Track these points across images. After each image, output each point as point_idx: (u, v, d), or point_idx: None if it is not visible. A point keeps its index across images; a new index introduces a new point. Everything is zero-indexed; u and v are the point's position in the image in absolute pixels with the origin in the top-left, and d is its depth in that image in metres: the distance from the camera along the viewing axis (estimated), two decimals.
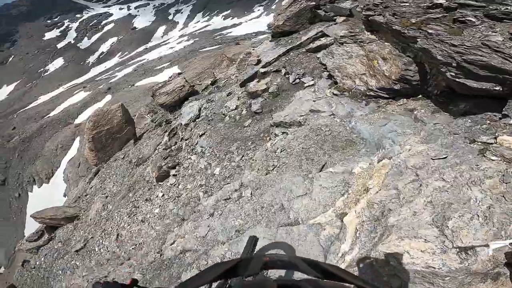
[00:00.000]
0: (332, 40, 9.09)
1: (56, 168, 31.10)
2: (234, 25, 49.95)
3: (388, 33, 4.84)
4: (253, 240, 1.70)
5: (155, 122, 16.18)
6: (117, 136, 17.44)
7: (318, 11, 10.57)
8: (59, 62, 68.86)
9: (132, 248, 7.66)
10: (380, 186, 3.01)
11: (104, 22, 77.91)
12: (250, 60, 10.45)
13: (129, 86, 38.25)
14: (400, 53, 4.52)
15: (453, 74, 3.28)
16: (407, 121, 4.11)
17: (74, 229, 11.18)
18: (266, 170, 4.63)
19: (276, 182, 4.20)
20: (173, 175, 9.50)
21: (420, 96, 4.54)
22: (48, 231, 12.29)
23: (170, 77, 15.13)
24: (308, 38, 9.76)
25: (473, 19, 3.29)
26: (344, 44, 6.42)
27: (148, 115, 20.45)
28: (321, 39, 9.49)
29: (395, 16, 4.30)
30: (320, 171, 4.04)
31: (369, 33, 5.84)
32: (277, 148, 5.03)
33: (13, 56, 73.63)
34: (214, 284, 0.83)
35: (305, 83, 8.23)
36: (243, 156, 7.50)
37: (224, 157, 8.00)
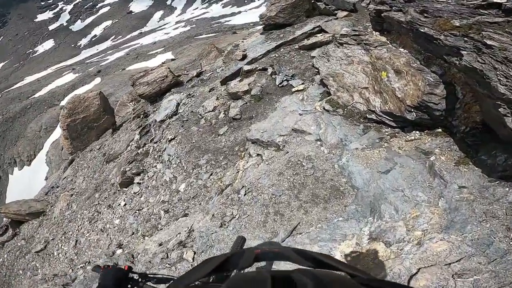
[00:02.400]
0: (330, 38, 7.66)
1: (39, 150, 30.28)
2: (233, 14, 47.93)
3: (407, 37, 3.45)
4: (241, 241, 1.68)
5: (133, 113, 14.89)
6: (94, 125, 16.42)
7: (318, 3, 9.05)
8: (49, 44, 66.36)
9: (86, 263, 6.75)
10: None
11: (99, 5, 74.74)
12: (235, 54, 8.97)
13: (120, 70, 36.96)
14: (421, 66, 3.13)
15: None
16: (419, 173, 2.78)
17: (39, 226, 10.57)
18: (221, 219, 3.31)
19: (228, 245, 2.90)
20: (138, 183, 8.24)
21: (439, 129, 3.19)
22: (13, 225, 11.78)
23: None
24: (303, 33, 8.29)
25: None
26: (344, 45, 5.01)
27: (131, 103, 19.05)
28: (318, 35, 8.04)
29: (425, 14, 2.90)
30: (289, 235, 2.74)
31: (377, 33, 4.43)
32: (242, 187, 3.68)
33: (1, 37, 70.75)
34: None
35: (293, 86, 6.84)
36: (211, 174, 6.21)
37: (191, 171, 6.73)
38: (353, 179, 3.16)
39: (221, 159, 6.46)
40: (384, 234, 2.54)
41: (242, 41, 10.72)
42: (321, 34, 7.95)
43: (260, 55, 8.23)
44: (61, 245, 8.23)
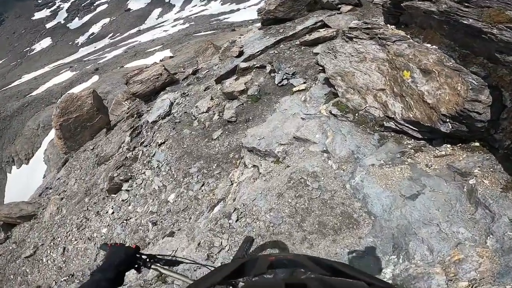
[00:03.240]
0: (334, 33, 7.02)
1: (37, 148, 29.96)
2: (232, 11, 47.14)
3: (434, 31, 2.83)
4: (249, 241, 1.73)
5: (127, 113, 14.38)
6: (87, 125, 15.99)
7: None
8: (46, 42, 65.60)
9: (70, 276, 6.55)
10: None
11: (97, 2, 73.83)
12: (232, 51, 8.32)
13: (118, 68, 36.49)
14: (458, 65, 2.49)
15: None
16: (456, 199, 2.19)
17: (30, 229, 10.24)
18: (209, 249, 2.70)
19: None
20: (126, 190, 7.66)
21: (476, 143, 2.56)
22: (5, 228, 11.23)
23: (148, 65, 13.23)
24: (304, 28, 7.64)
25: None
26: (354, 39, 4.37)
27: (126, 102, 18.53)
28: (320, 30, 7.39)
29: (466, 4, 2.27)
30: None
31: (392, 26, 3.80)
32: (234, 210, 3.06)
33: None
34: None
35: (294, 86, 6.22)
36: (203, 185, 5.62)
37: (182, 180, 6.14)
38: (369, 204, 2.54)
39: (214, 167, 5.85)
40: (415, 281, 1.93)
41: (240, 37, 10.08)
42: (324, 29, 7.30)
43: (258, 51, 7.59)
44: (50, 252, 8.01)
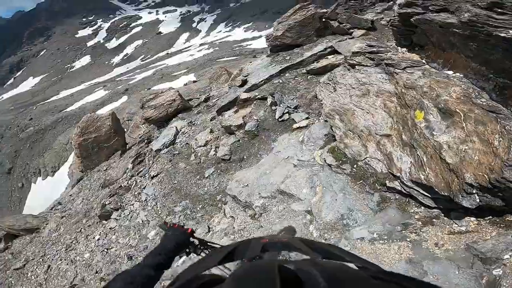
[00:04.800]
0: (343, 60, 6.34)
1: (63, 162, 31.39)
2: (254, 38, 48.51)
3: (458, 52, 2.09)
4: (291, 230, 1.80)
5: (140, 137, 14.41)
6: (104, 145, 16.26)
7: (331, 21, 7.83)
8: (86, 59, 71.25)
9: None
10: None
11: (133, 24, 79.94)
12: (236, 80, 7.90)
13: (145, 90, 38.18)
14: (493, 103, 1.71)
15: None
16: None
17: (29, 242, 10.27)
18: None
19: None
20: (115, 218, 7.26)
21: (505, 217, 1.68)
22: (7, 239, 11.46)
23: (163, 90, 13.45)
24: (312, 55, 7.04)
25: None
26: (356, 67, 3.67)
27: (143, 125, 18.93)
28: (329, 57, 6.74)
29: (500, 9, 1.53)
30: None
31: (404, 49, 3.06)
32: None
33: (45, 50, 77.37)
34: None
35: (295, 122, 5.53)
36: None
37: (165, 218, 5.55)
38: None
39: (198, 208, 5.21)
40: None
41: (248, 64, 9.72)
42: (333, 56, 6.65)
43: (262, 80, 7.05)
44: (36, 267, 8.00)
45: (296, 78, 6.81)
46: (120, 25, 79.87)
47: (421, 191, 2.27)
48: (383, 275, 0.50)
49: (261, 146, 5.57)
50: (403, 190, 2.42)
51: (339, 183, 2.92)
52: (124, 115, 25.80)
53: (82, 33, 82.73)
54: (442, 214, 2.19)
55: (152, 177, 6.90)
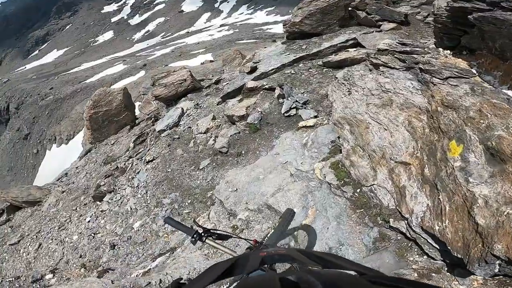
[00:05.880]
0: (366, 56, 5.59)
1: (78, 131, 32.38)
2: (276, 22, 46.72)
3: None
4: (290, 213, 1.66)
5: (148, 114, 14.34)
6: (114, 119, 16.45)
7: (358, 11, 6.96)
8: (109, 34, 71.80)
9: (16, 277, 6.05)
10: None
11: (156, 1, 79.19)
12: (245, 66, 7.29)
13: (163, 66, 38.24)
14: None
15: None
16: None
17: (30, 216, 10.21)
18: None
19: None
20: (107, 201, 7.07)
21: None
22: (9, 211, 11.53)
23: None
24: (331, 46, 6.30)
25: None
26: (381, 67, 3.04)
27: (155, 102, 18.91)
28: (350, 50, 5.99)
29: None
30: None
31: (447, 52, 2.40)
32: (159, 282, 1.98)
33: (71, 24, 78.59)
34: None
35: (302, 119, 4.95)
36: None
37: (152, 209, 5.34)
38: None
39: (187, 203, 4.84)
40: None
41: (263, 49, 9.03)
42: (355, 49, 5.89)
43: (272, 69, 6.42)
44: (28, 244, 7.89)
45: (310, 70, 6.14)
46: (144, 2, 79.39)
47: (430, 240, 1.72)
48: (383, 280, 0.51)
49: (262, 142, 5.04)
50: (407, 234, 1.88)
51: (336, 208, 2.40)
52: (140, 89, 25.81)
53: (107, 8, 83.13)
54: (446, 268, 1.69)
55: (147, 162, 6.57)
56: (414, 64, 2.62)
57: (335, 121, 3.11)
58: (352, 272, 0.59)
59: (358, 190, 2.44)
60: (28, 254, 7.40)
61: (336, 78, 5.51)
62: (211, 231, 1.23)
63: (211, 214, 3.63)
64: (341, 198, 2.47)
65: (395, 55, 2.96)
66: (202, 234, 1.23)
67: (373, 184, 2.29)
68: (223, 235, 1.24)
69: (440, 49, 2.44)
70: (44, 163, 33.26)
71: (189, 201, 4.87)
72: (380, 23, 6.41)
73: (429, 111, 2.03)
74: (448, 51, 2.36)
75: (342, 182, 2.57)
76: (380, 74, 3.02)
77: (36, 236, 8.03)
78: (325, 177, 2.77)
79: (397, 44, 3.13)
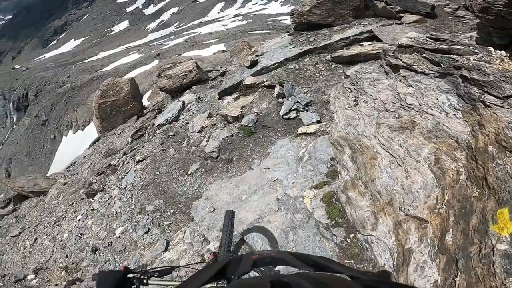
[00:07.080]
0: (382, 52, 4.82)
1: None
2: (290, 13, 45.57)
3: None
4: (231, 215, 1.64)
5: (153, 105, 14.14)
6: (122, 109, 16.55)
7: (376, 1, 6.10)
8: (124, 24, 72.45)
9: (2, 276, 6.01)
10: None
11: None
12: (245, 59, 6.65)
13: (176, 55, 38.50)
14: None
15: None
16: None
17: (35, 206, 10.14)
18: None
19: None
20: (98, 200, 6.79)
21: None
22: (16, 200, 11.58)
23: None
24: (342, 39, 5.54)
25: None
26: (401, 70, 2.32)
27: (163, 92, 19.00)
28: (365, 44, 5.21)
29: None
30: None
31: (500, 52, 1.65)
32: None
33: (88, 14, 79.87)
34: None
35: (303, 123, 4.31)
36: (147, 232, 4.39)
37: (135, 215, 4.95)
38: None
39: (169, 213, 4.39)
40: None
41: (269, 41, 8.32)
42: (370, 44, 5.11)
43: (275, 63, 5.76)
44: (26, 238, 7.77)
45: (316, 65, 5.43)
46: None
47: None
48: (374, 284, 0.51)
49: (256, 149, 4.46)
50: None
51: (320, 254, 1.80)
52: (153, 78, 26.14)
53: None
54: None
55: (138, 162, 6.15)
56: (454, 69, 1.80)
57: (333, 140, 2.45)
58: (345, 276, 0.57)
59: (352, 236, 1.84)
60: (24, 248, 7.27)
61: (346, 75, 4.79)
62: (150, 271, 1.13)
63: (186, 234, 3.14)
64: (329, 242, 1.88)
65: (424, 54, 2.19)
66: (141, 277, 1.11)
67: (371, 235, 1.67)
68: (164, 270, 1.16)
69: (491, 49, 1.69)
70: (60, 149, 34.37)
71: (172, 210, 4.41)
72: (402, 14, 5.57)
73: (472, 148, 1.33)
74: (501, 52, 1.63)
75: (334, 222, 1.96)
76: (400, 81, 2.26)
77: (34, 230, 7.86)
78: (314, 210, 2.17)
79: (427, 38, 2.34)
